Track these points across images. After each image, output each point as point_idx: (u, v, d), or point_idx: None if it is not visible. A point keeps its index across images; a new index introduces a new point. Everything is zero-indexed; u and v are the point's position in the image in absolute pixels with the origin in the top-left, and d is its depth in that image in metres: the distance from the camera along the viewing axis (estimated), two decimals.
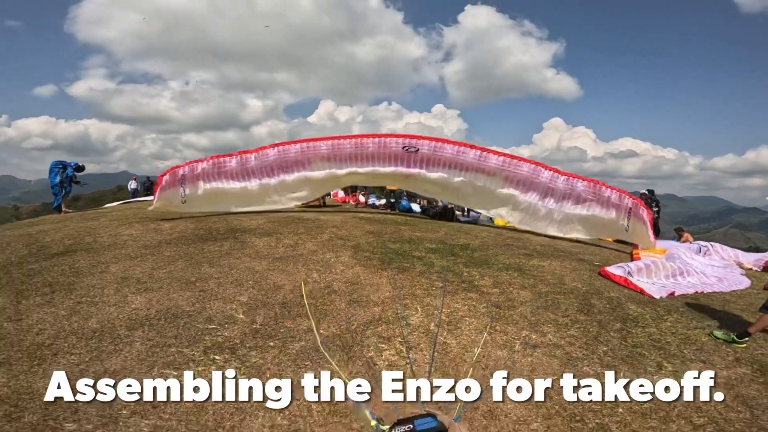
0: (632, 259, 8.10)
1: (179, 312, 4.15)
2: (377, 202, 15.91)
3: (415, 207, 15.00)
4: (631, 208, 9.26)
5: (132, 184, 22.48)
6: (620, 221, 9.41)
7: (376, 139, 10.31)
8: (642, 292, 5.89)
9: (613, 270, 6.75)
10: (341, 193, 17.14)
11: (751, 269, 8.35)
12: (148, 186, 23.59)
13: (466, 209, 16.21)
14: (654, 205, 12.35)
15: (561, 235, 10.16)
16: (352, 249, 7.34)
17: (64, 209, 12.43)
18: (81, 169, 12.84)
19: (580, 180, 9.69)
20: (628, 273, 6.61)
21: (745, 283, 6.83)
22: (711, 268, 7.71)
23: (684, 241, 11.67)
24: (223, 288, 4.89)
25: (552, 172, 9.83)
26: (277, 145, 10.36)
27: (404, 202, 15.02)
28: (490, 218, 16.86)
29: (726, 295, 6.21)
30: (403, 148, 10.31)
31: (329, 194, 12.49)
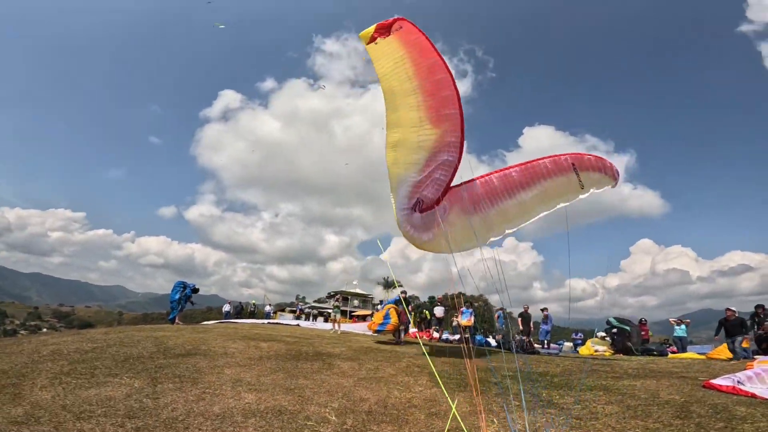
0: (745, 370, 7.16)
1: (283, 410, 4.85)
2: (451, 337, 15.80)
3: (491, 341, 14.65)
4: (573, 163, 8.98)
5: (226, 307, 26.57)
6: (571, 181, 9.10)
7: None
8: (754, 396, 5.28)
9: (720, 381, 6.16)
10: (412, 329, 17.49)
11: None
12: (239, 310, 27.47)
13: (546, 342, 15.29)
14: (766, 318, 10.89)
15: (530, 220, 9.69)
16: (429, 375, 7.62)
17: (177, 321, 14.47)
18: (196, 291, 15.54)
19: (513, 168, 9.36)
20: (738, 382, 5.98)
21: None
22: None
23: None
24: (317, 396, 5.56)
25: (481, 178, 9.47)
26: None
27: (479, 337, 14.83)
28: (575, 348, 15.48)
29: None
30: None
31: (405, 330, 13.02)
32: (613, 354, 12.39)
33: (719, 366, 8.62)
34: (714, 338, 12.00)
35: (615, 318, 13.76)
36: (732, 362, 9.75)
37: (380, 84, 8.81)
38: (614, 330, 13.03)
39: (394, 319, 12.05)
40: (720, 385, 5.98)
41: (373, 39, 8.59)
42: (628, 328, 13.04)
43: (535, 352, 12.79)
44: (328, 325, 18.91)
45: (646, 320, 14.80)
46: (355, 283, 63.68)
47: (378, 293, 60.65)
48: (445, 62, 8.45)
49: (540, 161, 9.22)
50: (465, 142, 8.53)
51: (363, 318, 33.35)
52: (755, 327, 11.04)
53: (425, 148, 8.58)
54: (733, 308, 11.65)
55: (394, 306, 12.85)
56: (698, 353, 11.85)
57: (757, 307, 11.59)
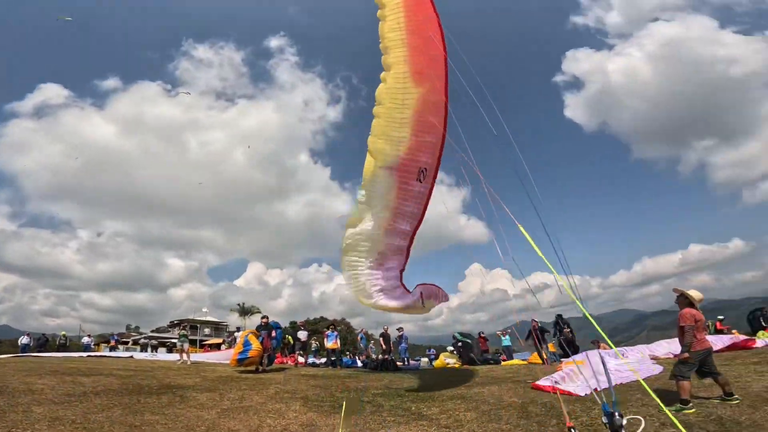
0: (558, 371, 9.02)
1: None
2: (317, 361, 15.45)
3: (359, 362, 14.94)
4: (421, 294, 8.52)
5: (24, 339, 21.73)
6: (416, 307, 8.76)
7: None
8: (570, 394, 6.67)
9: (542, 382, 7.55)
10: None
11: (668, 357, 9.74)
12: (43, 342, 22.71)
13: (406, 359, 16.41)
14: (565, 326, 14.05)
15: None
16: (301, 400, 7.25)
17: None
18: None
19: None
20: (555, 382, 7.45)
21: (658, 369, 7.98)
22: (625, 365, 8.84)
23: (602, 347, 13.01)
24: (173, 431, 4.62)
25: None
26: None
27: (346, 359, 14.93)
28: (430, 362, 17.06)
29: (647, 381, 7.15)
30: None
31: (271, 357, 12.11)
32: (461, 365, 14.09)
33: (539, 369, 10.63)
34: (526, 343, 14.48)
35: (459, 333, 15.72)
36: (544, 366, 12.16)
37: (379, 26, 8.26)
38: (459, 344, 14.88)
39: (255, 345, 11.07)
40: (543, 386, 7.36)
41: None
42: (470, 341, 15.06)
43: (398, 369, 13.53)
44: (175, 356, 16.28)
45: (483, 333, 17.36)
46: (205, 310, 57.43)
47: (233, 320, 55.49)
48: (439, 18, 8.16)
49: None
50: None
51: (217, 347, 30.02)
52: (558, 333, 14.09)
53: (409, 107, 8.15)
54: (537, 319, 14.64)
55: (252, 331, 11.92)
56: (521, 359, 14.43)
57: (558, 316, 14.81)
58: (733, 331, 15.71)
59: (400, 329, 18.04)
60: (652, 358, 10.31)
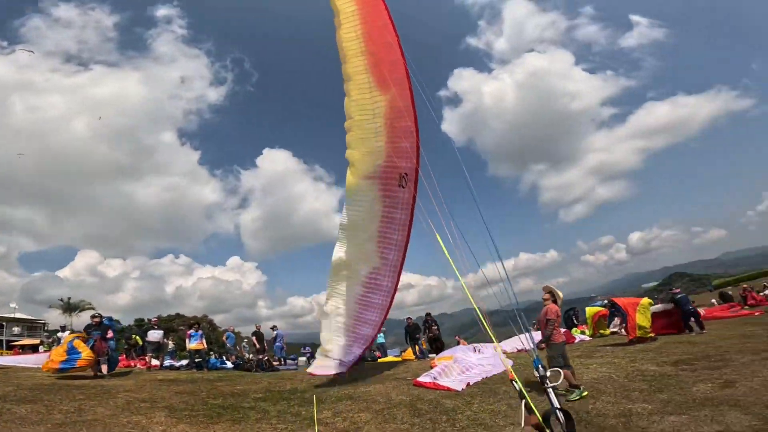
0: (431, 368, 9.73)
1: None
2: (176, 363, 13.39)
3: (228, 363, 13.50)
4: None
5: None
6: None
7: None
8: (448, 389, 7.22)
9: (423, 379, 8.00)
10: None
11: (513, 352, 11.32)
12: None
13: (283, 359, 15.57)
14: (433, 324, 15.31)
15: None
16: (165, 409, 6.11)
17: None
18: None
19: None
20: (434, 378, 7.99)
21: (509, 362, 9.15)
22: (485, 359, 10.00)
23: (462, 344, 14.56)
24: None
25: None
26: None
27: (213, 359, 13.34)
28: (309, 361, 16.53)
29: (502, 375, 8.08)
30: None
31: (110, 361, 9.83)
32: None
33: (414, 365, 11.30)
34: (418, 338, 15.06)
35: None
36: (419, 361, 13.01)
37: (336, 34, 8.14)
38: None
39: (85, 353, 8.87)
40: (424, 383, 7.82)
41: None
42: None
43: (275, 369, 12.71)
44: None
45: None
46: (14, 306, 44.85)
47: (54, 318, 44.51)
48: (393, 23, 7.94)
49: None
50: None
51: (34, 348, 24.16)
52: (426, 331, 15.23)
53: (379, 115, 8.14)
54: (411, 317, 15.68)
55: (79, 334, 9.67)
56: (394, 356, 15.17)
57: (427, 314, 16.00)
58: None
59: (274, 327, 17.04)
60: (503, 353, 12.02)
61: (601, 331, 14.26)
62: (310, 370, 9.63)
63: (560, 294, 6.56)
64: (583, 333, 14.98)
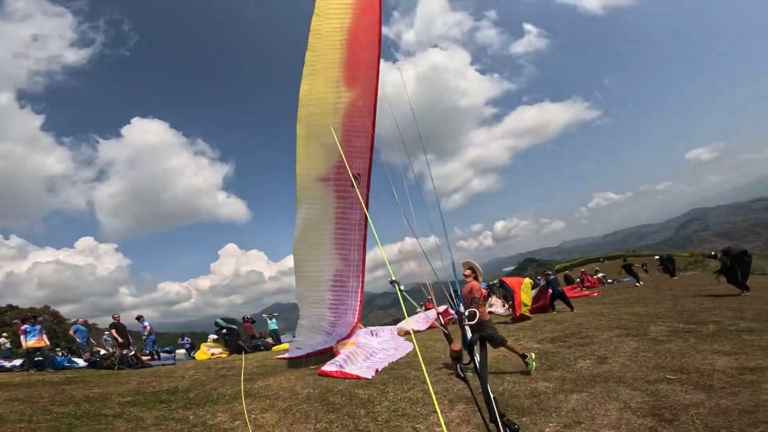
0: (335, 355, 9.41)
1: None
2: (7, 364, 10.36)
3: (79, 361, 10.94)
4: None
5: None
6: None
7: None
8: (358, 377, 6.94)
9: (328, 368, 7.59)
10: None
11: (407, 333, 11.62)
12: None
13: (156, 352, 13.37)
14: None
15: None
16: None
17: None
18: None
19: None
20: (340, 366, 7.65)
21: (410, 346, 9.34)
22: (386, 343, 10.07)
23: (359, 328, 14.54)
24: None
25: None
26: None
27: (59, 358, 10.68)
28: (189, 354, 14.54)
29: (406, 359, 8.19)
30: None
31: None
32: (229, 355, 12.66)
33: (313, 358, 10.75)
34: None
35: (222, 319, 14.18)
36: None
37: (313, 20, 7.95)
38: (224, 331, 13.40)
39: None
40: (330, 372, 7.41)
41: None
42: (235, 327, 13.80)
43: (145, 365, 10.75)
44: None
45: (250, 318, 16.26)
46: None
47: None
48: (381, 20, 7.98)
49: None
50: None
51: None
52: None
53: (339, 111, 8.05)
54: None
55: None
56: (288, 342, 14.30)
57: None
58: None
59: (140, 318, 14.60)
60: (400, 335, 12.34)
61: None
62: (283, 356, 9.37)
63: (481, 270, 6.52)
64: None
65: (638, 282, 19.16)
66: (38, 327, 10.81)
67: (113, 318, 13.17)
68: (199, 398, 6.36)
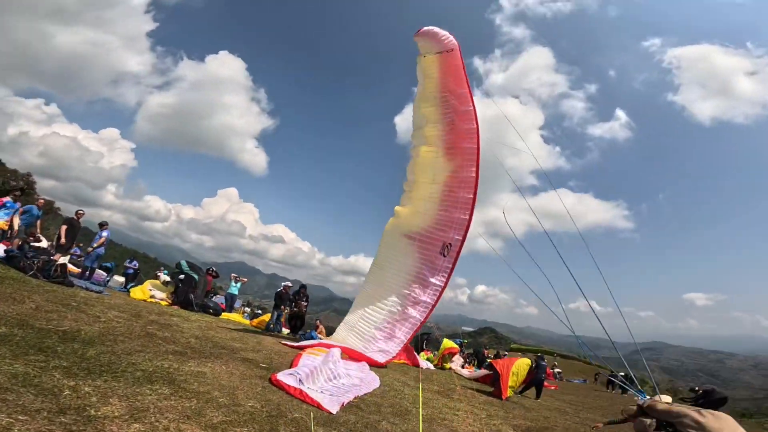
0: (296, 358, 7.48)
1: None
2: None
3: None
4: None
5: None
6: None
7: None
8: (319, 406, 4.99)
9: (285, 379, 5.65)
10: None
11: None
12: None
13: (90, 269, 11.11)
14: (304, 299, 12.99)
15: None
16: None
17: None
18: None
19: None
20: (300, 381, 5.71)
21: (377, 380, 7.52)
22: (351, 370, 8.16)
23: (319, 332, 12.59)
24: None
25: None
26: None
27: None
28: (126, 286, 12.33)
29: (373, 398, 6.28)
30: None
31: None
32: (170, 305, 10.55)
33: (268, 344, 8.77)
34: (282, 309, 12.57)
35: (187, 262, 12.11)
36: (271, 335, 10.54)
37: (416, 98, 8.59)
38: (181, 276, 11.27)
39: None
40: (287, 385, 5.45)
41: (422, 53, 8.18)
42: (196, 277, 11.68)
43: (66, 282, 8.55)
44: None
45: (214, 271, 14.09)
46: None
47: None
48: (471, 92, 8.16)
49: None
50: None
51: None
52: (293, 303, 12.77)
53: (439, 182, 8.40)
54: (290, 284, 13.14)
55: None
56: (244, 318, 12.30)
57: (302, 286, 13.57)
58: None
59: (103, 224, 12.36)
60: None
61: (444, 364, 15.21)
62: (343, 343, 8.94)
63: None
64: (429, 360, 15.44)
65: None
66: (18, 204, 9.27)
67: (76, 214, 11.27)
68: (99, 361, 4.38)
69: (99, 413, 3.14)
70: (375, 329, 8.83)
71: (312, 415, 4.45)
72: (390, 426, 5.04)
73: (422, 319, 8.67)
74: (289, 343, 7.41)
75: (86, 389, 3.50)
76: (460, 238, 8.38)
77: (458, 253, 8.43)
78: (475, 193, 8.25)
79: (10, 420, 2.64)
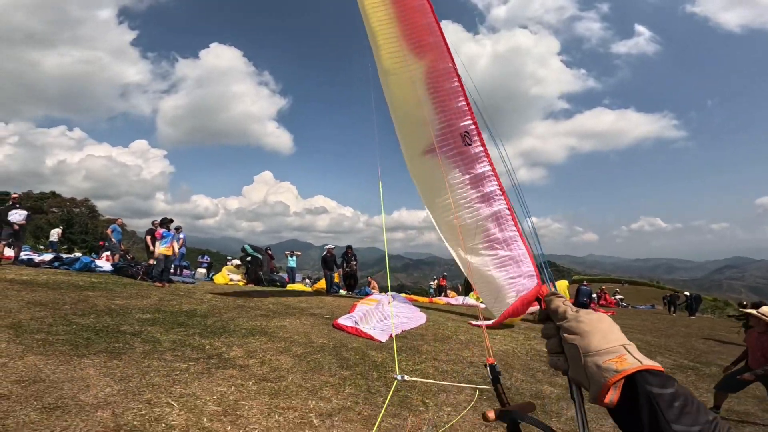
0: (352, 308, 9.38)
1: None
2: (36, 258, 10.77)
3: (103, 264, 11.26)
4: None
5: None
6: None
7: None
8: (371, 338, 6.83)
9: (344, 321, 7.51)
10: None
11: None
12: None
13: (182, 268, 13.73)
14: (353, 258, 14.89)
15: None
16: (10, 329, 4.54)
17: None
18: None
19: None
20: (355, 322, 7.56)
21: (424, 318, 9.27)
22: (401, 312, 10.02)
23: (372, 288, 14.69)
24: None
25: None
26: None
27: (85, 258, 10.99)
28: (208, 275, 15.00)
29: (418, 330, 8.05)
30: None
31: None
32: (246, 283, 12.95)
33: (329, 301, 10.82)
34: (327, 271, 14.36)
35: (250, 246, 14.34)
36: (332, 296, 12.62)
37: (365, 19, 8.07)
38: (248, 258, 13.56)
39: None
40: (346, 326, 7.31)
41: None
42: (260, 256, 13.93)
43: (170, 281, 11.01)
44: None
45: (270, 251, 16.35)
46: None
47: None
48: None
49: None
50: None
51: None
52: (344, 264, 14.75)
53: (419, 81, 7.91)
54: (331, 246, 14.98)
55: None
56: (304, 285, 14.54)
57: (348, 247, 15.33)
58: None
59: (179, 228, 14.40)
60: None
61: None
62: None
63: None
64: (477, 298, 15.99)
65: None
66: (172, 233, 10.79)
67: (152, 224, 12.05)
68: (216, 327, 6.38)
69: (230, 356, 5.04)
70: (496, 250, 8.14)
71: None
72: (430, 347, 6.71)
73: (507, 206, 8.11)
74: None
75: (217, 344, 5.45)
76: (471, 120, 7.98)
77: (480, 135, 8.02)
78: (460, 82, 7.90)
79: (186, 365, 4.54)
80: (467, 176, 8.20)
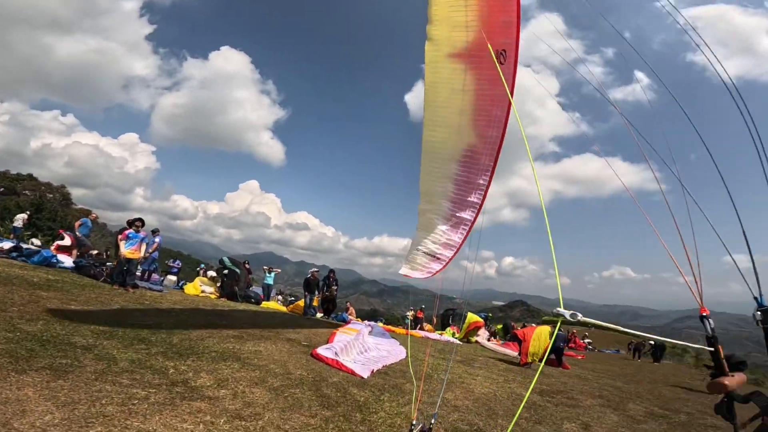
0: (331, 336, 8.79)
1: None
2: None
3: (65, 259, 10.28)
4: None
5: None
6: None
7: None
8: (352, 372, 6.29)
9: (324, 352, 6.96)
10: None
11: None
12: None
13: (149, 272, 12.71)
14: (334, 283, 14.28)
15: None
16: None
17: None
18: None
19: None
20: (336, 353, 7.01)
21: (403, 353, 8.77)
22: (380, 343, 9.48)
23: (349, 314, 14.02)
24: None
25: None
26: None
27: (46, 251, 10.02)
28: (178, 284, 13.96)
29: (399, 366, 7.57)
30: None
31: None
32: (219, 297, 12.10)
33: (306, 326, 10.18)
34: (307, 294, 13.77)
35: (228, 258, 13.60)
36: (308, 318, 11.96)
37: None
38: (225, 271, 12.77)
39: None
40: (325, 357, 6.76)
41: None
42: (238, 270, 13.15)
43: (133, 284, 10.07)
44: None
45: (248, 264, 15.52)
46: None
47: None
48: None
49: None
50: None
51: None
52: (325, 288, 14.12)
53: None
54: (317, 269, 14.43)
55: None
56: (279, 304, 13.78)
57: (331, 271, 14.75)
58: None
59: (155, 231, 13.41)
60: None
61: (470, 338, 15.89)
62: (403, 272, 8.14)
63: None
64: (453, 335, 16.07)
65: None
66: (141, 234, 9.93)
67: (127, 223, 11.06)
68: (183, 347, 5.72)
69: (197, 384, 4.43)
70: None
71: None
72: (412, 387, 6.24)
73: (498, 140, 7.63)
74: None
75: (182, 368, 4.81)
76: (512, 40, 7.03)
77: (515, 59, 7.08)
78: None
79: (146, 392, 3.91)
80: (481, 91, 7.52)
